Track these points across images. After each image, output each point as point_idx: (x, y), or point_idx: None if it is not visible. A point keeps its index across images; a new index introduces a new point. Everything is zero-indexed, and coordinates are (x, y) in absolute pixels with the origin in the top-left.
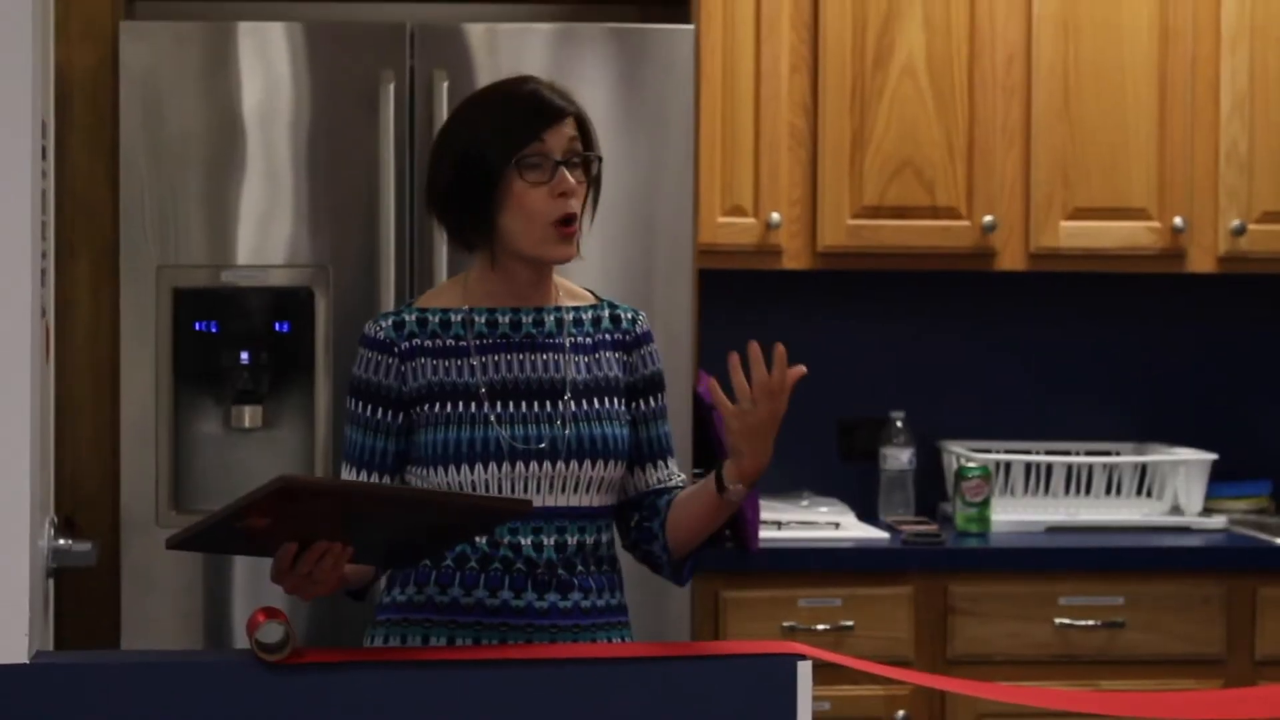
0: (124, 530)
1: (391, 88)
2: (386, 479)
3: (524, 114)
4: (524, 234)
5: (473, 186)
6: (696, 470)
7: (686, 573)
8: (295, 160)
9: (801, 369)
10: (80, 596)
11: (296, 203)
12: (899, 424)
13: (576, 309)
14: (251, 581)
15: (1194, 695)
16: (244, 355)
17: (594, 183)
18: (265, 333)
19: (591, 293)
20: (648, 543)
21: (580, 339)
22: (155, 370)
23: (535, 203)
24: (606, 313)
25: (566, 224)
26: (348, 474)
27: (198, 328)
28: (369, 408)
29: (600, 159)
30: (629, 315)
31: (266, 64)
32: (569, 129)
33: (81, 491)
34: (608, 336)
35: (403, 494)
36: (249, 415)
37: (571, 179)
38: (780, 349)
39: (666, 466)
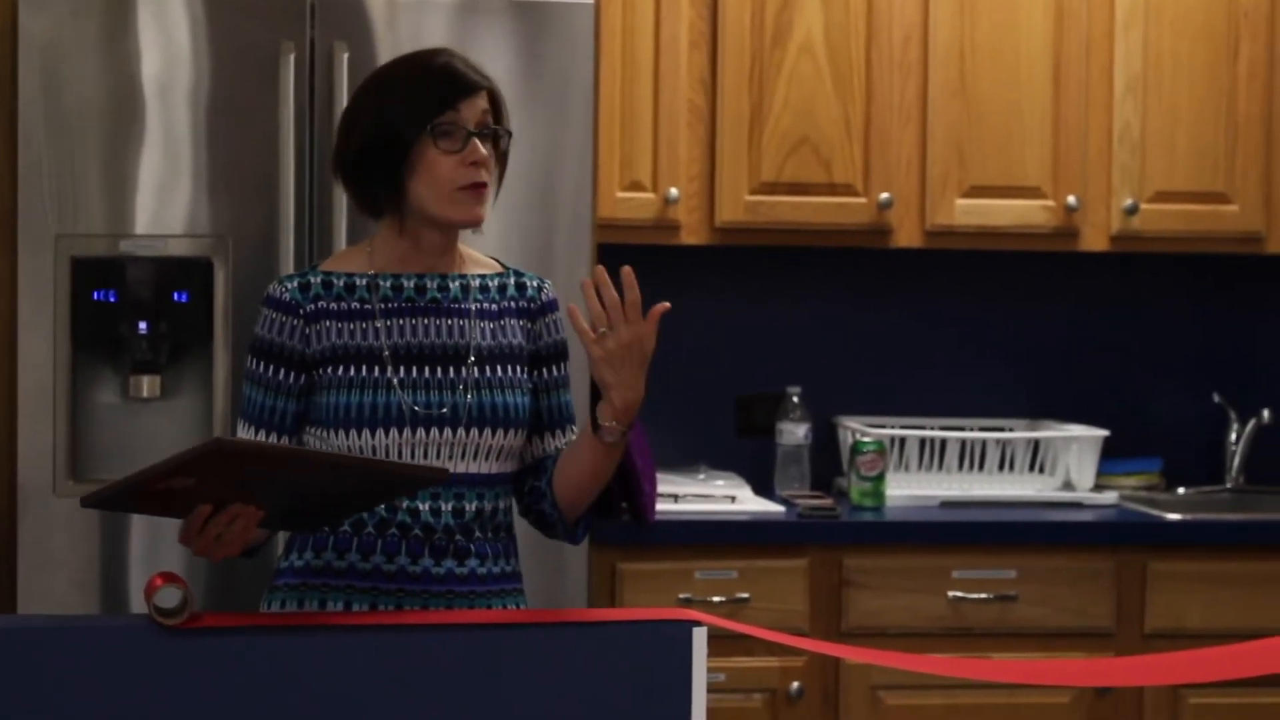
0: (20, 499)
1: (292, 59)
2: (285, 439)
3: (441, 83)
4: (432, 198)
5: (385, 151)
6: None
7: (580, 532)
8: (195, 130)
9: (665, 305)
10: None
11: (196, 173)
12: (795, 399)
13: (483, 276)
14: (148, 549)
15: (1081, 664)
16: (142, 325)
17: (502, 158)
18: (164, 303)
19: (498, 261)
20: (538, 502)
21: (485, 305)
22: (53, 340)
23: (445, 169)
24: (512, 280)
25: (474, 188)
26: (244, 432)
27: (96, 297)
28: (270, 368)
29: (510, 134)
30: (534, 283)
31: (166, 33)
32: (482, 102)
33: None
34: (513, 304)
35: (329, 459)
36: (147, 385)
37: (483, 150)
38: (627, 270)
39: (566, 435)
